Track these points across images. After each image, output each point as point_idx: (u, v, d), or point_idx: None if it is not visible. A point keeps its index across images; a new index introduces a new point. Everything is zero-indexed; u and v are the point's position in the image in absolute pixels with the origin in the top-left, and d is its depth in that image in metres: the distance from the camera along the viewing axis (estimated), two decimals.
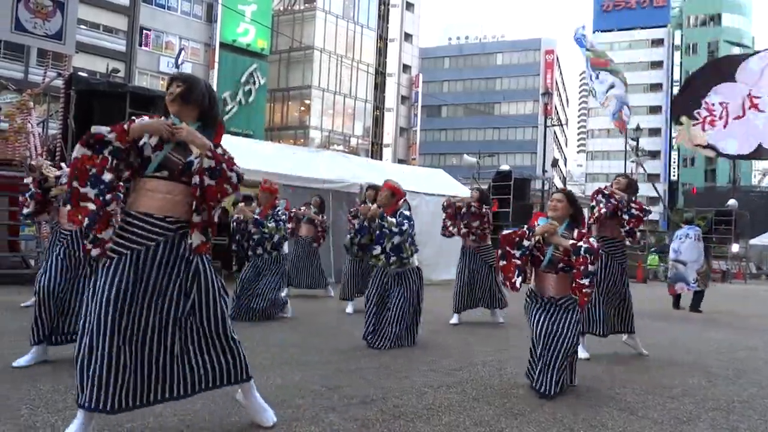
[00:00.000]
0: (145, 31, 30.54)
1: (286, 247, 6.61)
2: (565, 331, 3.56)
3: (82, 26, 23.50)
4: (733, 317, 9.14)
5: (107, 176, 2.36)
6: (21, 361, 3.60)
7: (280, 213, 6.11)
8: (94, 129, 2.38)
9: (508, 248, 3.63)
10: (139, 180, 2.47)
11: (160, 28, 31.29)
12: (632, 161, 29.41)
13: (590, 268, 3.52)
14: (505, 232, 3.74)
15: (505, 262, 3.64)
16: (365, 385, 3.56)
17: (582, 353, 4.53)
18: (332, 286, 8.87)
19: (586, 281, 3.51)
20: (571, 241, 3.60)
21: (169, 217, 2.44)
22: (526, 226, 3.71)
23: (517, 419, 3.06)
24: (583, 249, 3.54)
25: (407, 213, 4.93)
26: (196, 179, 2.41)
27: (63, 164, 4.04)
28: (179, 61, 18.71)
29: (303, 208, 8.47)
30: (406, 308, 4.91)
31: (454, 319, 6.49)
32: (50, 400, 2.94)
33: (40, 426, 2.59)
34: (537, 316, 3.65)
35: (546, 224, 3.67)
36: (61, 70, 10.56)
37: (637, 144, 28.09)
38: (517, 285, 3.60)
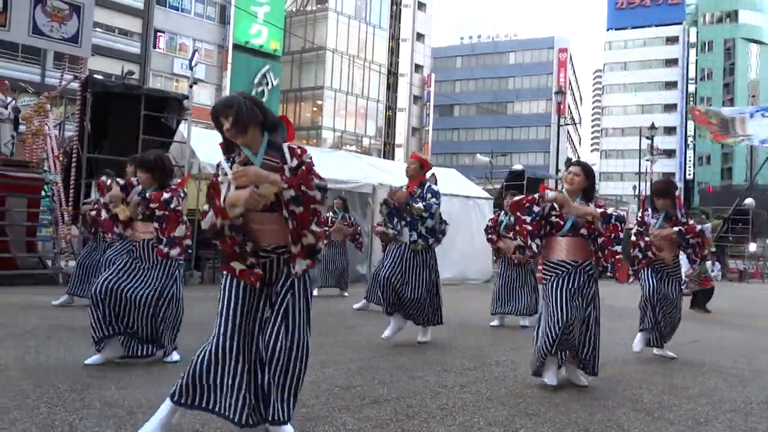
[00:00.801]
0: (159, 34, 30.83)
1: None
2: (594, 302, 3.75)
3: (97, 29, 23.75)
4: (750, 318, 9.01)
5: None
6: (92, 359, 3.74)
7: None
8: (204, 225, 2.42)
9: (519, 214, 3.70)
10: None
11: (174, 30, 31.56)
12: (647, 160, 29.12)
13: (620, 235, 3.59)
14: (515, 198, 3.82)
15: (517, 228, 3.73)
16: (378, 385, 3.57)
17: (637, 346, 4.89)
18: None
19: (618, 248, 3.59)
20: (600, 210, 3.63)
21: (272, 245, 2.44)
22: (537, 194, 3.74)
23: (532, 419, 3.04)
24: (614, 217, 3.59)
25: (435, 188, 4.94)
26: (284, 213, 2.35)
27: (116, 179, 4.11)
28: (193, 63, 18.78)
29: (330, 214, 8.46)
30: (431, 289, 4.95)
31: (494, 322, 6.49)
32: (68, 399, 2.98)
33: (58, 425, 2.62)
34: (564, 286, 3.65)
35: (558, 193, 3.66)
36: (77, 72, 10.69)
37: (652, 142, 27.80)
38: (534, 248, 3.66)
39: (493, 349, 5.01)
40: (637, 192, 34.01)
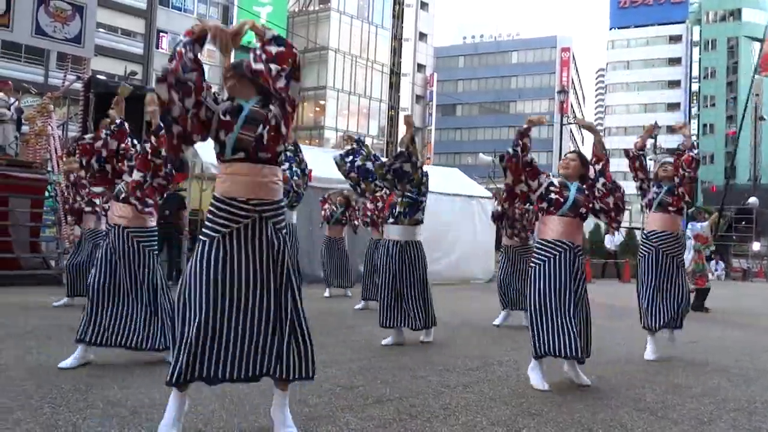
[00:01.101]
0: (161, 34, 30.89)
1: None
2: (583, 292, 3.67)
3: (100, 29, 23.79)
4: (753, 317, 8.99)
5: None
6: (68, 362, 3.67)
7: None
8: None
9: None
10: (221, 164, 2.52)
11: (177, 31, 31.56)
12: (650, 159, 29.07)
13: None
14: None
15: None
16: (381, 385, 3.57)
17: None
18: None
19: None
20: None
21: (254, 199, 2.44)
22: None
23: (535, 419, 3.04)
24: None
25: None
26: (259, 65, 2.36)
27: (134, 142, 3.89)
28: None
29: (326, 207, 8.46)
30: (422, 287, 4.89)
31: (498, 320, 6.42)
32: (71, 399, 2.99)
33: (62, 425, 2.62)
34: (555, 269, 3.61)
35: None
36: (80, 73, 10.72)
37: (656, 141, 27.73)
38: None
39: (496, 348, 5.00)
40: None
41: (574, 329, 3.53)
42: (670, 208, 4.83)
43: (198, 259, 2.40)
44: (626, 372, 4.30)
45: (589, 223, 21.54)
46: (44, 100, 10.33)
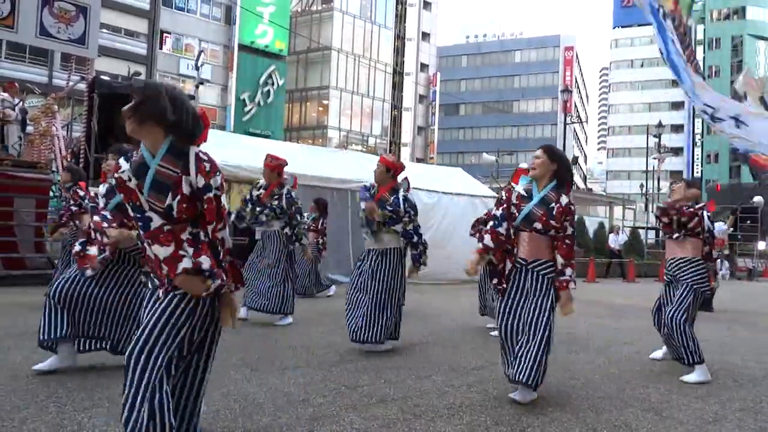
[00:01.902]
0: (165, 34, 30.95)
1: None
2: (540, 312, 3.27)
3: (104, 30, 23.87)
4: (758, 316, 8.95)
5: None
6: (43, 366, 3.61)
7: (286, 192, 5.69)
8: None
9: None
10: None
11: (180, 31, 31.66)
12: (654, 158, 28.95)
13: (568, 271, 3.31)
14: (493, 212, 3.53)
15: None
16: (384, 385, 3.57)
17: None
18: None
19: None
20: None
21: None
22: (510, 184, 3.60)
23: (539, 419, 3.03)
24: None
25: (411, 199, 4.58)
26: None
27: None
28: (199, 63, 18.90)
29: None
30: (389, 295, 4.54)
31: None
32: (77, 399, 3.00)
33: (67, 424, 2.63)
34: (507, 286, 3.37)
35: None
36: (84, 73, 10.75)
37: (659, 140, 27.65)
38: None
39: (499, 348, 4.98)
40: (644, 190, 33.83)
41: (520, 352, 3.28)
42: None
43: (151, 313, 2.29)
44: (631, 371, 4.29)
45: (593, 222, 21.50)
46: (48, 101, 10.37)
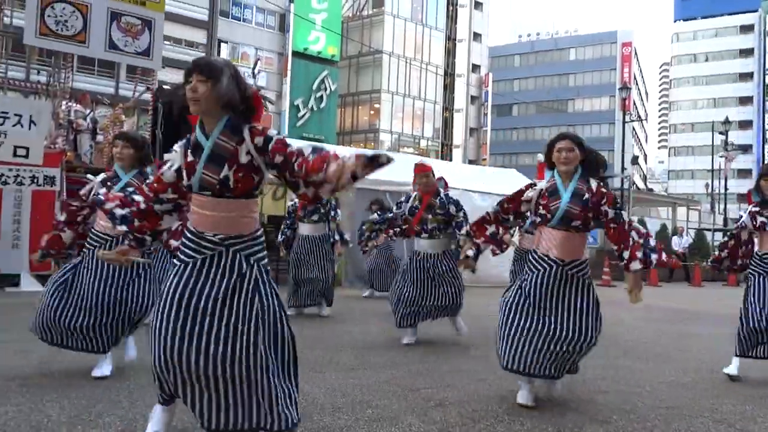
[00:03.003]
0: (222, 44, 31.98)
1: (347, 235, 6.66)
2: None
3: (166, 42, 24.88)
4: None
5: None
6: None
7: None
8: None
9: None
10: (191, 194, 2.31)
11: (236, 40, 32.65)
12: (721, 156, 27.59)
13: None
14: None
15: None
16: (443, 388, 3.55)
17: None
18: None
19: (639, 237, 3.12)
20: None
21: (220, 234, 2.22)
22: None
23: (603, 427, 2.95)
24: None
25: (447, 193, 4.86)
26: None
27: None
28: (256, 71, 19.44)
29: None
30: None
31: None
32: (148, 394, 3.12)
33: (139, 418, 2.76)
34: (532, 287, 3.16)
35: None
36: (148, 84, 11.25)
37: (726, 138, 26.33)
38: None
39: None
40: (709, 190, 32.28)
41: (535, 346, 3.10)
42: None
43: (166, 284, 2.25)
44: (700, 380, 4.10)
45: (655, 224, 20.68)
46: (116, 111, 10.90)
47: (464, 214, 4.76)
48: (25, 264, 7.63)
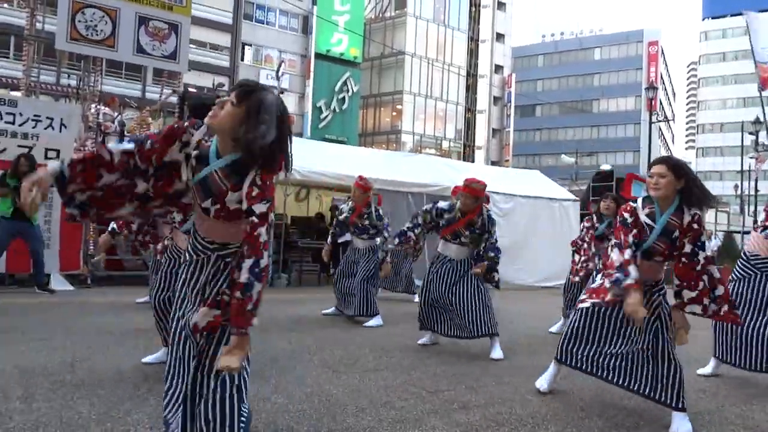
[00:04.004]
0: (245, 47, 32.36)
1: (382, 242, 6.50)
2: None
3: (191, 45, 25.29)
4: None
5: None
6: (150, 358, 3.89)
7: (374, 210, 6.15)
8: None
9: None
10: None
11: (260, 43, 33.00)
12: (751, 157, 26.95)
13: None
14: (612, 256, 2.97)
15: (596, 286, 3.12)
16: (466, 390, 3.54)
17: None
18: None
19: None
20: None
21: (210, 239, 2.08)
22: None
23: None
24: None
25: (489, 213, 4.78)
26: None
27: None
28: (279, 73, 19.60)
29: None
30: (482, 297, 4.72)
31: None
32: None
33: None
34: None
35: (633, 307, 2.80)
36: (174, 87, 11.45)
37: (757, 138, 25.69)
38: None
39: None
40: (739, 191, 31.57)
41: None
42: None
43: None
44: (730, 387, 4.02)
45: None
46: (143, 113, 11.11)
47: (495, 237, 4.75)
48: (55, 264, 7.82)
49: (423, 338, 5.00)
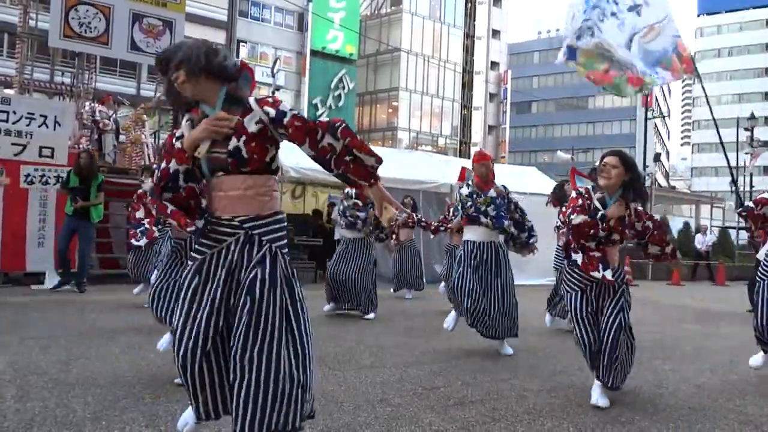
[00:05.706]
0: (241, 44, 32.23)
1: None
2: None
3: None
4: None
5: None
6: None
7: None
8: (156, 168, 2.14)
9: (583, 242, 3.27)
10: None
11: (255, 40, 32.88)
12: (746, 153, 27.05)
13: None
14: (574, 221, 3.22)
15: (585, 259, 3.28)
16: (462, 387, 3.54)
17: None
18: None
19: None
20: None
21: (235, 215, 2.07)
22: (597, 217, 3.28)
23: (626, 427, 2.91)
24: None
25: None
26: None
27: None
28: (275, 70, 19.56)
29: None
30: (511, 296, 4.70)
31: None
32: (170, 391, 3.17)
33: (162, 414, 2.80)
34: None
35: (616, 208, 3.22)
36: None
37: (752, 134, 25.78)
38: (609, 277, 3.24)
39: (579, 353, 4.82)
40: (734, 187, 31.69)
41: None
42: None
43: (181, 282, 2.15)
44: (725, 381, 4.03)
45: (678, 222, 20.35)
46: (138, 111, 11.06)
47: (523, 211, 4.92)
48: (50, 262, 7.79)
49: (448, 320, 4.92)
